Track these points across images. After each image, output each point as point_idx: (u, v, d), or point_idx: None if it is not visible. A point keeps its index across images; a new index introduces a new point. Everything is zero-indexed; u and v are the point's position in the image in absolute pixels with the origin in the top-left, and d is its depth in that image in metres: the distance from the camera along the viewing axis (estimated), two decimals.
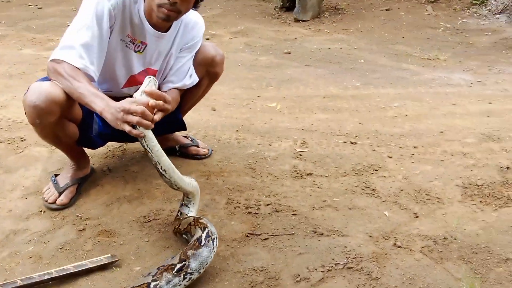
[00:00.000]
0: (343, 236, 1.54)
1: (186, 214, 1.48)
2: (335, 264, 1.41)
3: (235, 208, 1.68)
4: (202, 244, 1.27)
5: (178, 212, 1.51)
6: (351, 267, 1.39)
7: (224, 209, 1.68)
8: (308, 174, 1.91)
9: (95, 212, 1.63)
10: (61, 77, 1.33)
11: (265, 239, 1.51)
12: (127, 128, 1.21)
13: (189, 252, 1.24)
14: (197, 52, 1.72)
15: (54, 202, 1.60)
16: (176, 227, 1.44)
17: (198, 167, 1.93)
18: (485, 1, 4.94)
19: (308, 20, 4.61)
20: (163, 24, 1.51)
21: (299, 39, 4.10)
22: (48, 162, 1.94)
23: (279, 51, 3.65)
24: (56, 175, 1.69)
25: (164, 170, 1.31)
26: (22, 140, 2.13)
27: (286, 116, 2.47)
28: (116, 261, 1.38)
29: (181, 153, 1.98)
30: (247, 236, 1.53)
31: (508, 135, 2.28)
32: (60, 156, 1.88)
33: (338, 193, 1.79)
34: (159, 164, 1.30)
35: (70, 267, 1.32)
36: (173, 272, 1.20)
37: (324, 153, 2.10)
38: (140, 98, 1.25)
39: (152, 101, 1.24)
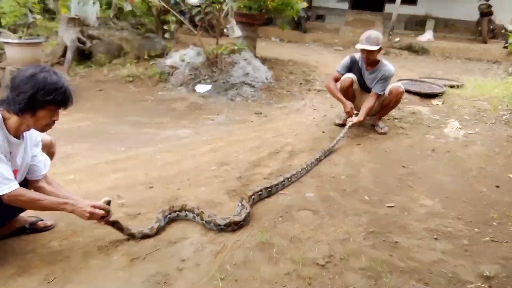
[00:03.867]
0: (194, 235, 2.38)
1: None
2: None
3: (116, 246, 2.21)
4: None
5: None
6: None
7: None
8: (138, 214, 2.59)
9: None
10: (28, 203, 1.89)
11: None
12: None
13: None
14: None
15: None
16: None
17: (55, 235, 2.22)
18: (167, 79, 6.68)
19: None
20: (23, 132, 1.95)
21: None
22: None
23: None
24: None
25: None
26: None
27: (88, 182, 2.94)
28: None
29: (31, 230, 2.18)
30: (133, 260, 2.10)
31: (230, 160, 3.71)
32: None
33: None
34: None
35: None
36: None
37: (138, 199, 2.80)
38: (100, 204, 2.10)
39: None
